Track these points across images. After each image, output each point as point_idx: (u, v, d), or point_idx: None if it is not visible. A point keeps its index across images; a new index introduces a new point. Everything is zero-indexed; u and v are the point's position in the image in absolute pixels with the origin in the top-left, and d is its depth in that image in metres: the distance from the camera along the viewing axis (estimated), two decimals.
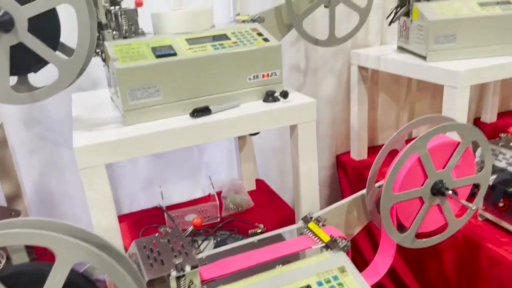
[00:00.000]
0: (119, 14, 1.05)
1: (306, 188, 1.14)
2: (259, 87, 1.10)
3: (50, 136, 1.48)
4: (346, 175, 1.93)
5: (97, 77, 1.44)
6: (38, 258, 1.14)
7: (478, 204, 1.14)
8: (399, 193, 1.04)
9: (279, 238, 1.06)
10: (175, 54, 1.01)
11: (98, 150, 0.89)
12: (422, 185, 1.06)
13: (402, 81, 1.94)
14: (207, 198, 1.60)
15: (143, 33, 1.10)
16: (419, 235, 1.11)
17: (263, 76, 1.10)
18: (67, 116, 1.43)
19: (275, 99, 1.09)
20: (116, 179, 1.60)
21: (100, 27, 1.04)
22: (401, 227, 1.11)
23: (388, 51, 1.66)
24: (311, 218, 1.08)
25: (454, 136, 1.07)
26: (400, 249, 1.09)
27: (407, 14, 1.53)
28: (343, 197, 1.60)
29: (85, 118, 1.08)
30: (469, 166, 1.12)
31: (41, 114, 1.45)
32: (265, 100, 1.10)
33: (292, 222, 1.14)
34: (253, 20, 1.24)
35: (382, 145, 1.08)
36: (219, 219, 1.45)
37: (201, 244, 1.31)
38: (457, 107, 1.31)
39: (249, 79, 1.09)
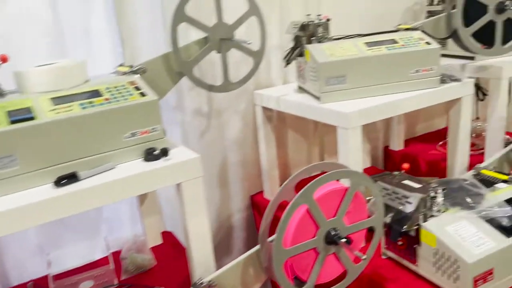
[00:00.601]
0: None
1: (198, 250, 1.07)
2: (138, 144, 1.03)
3: None
4: (261, 216, 1.89)
5: None
6: None
7: (372, 250, 1.12)
8: (290, 247, 1.00)
9: None
10: (32, 118, 0.91)
11: None
12: (314, 236, 1.03)
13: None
14: (106, 260, 1.47)
15: (1, 94, 0.99)
16: (319, 286, 1.07)
17: (142, 133, 1.03)
18: None
19: (156, 157, 1.02)
20: (0, 248, 1.42)
21: None
22: (299, 281, 1.07)
23: (289, 91, 1.66)
24: (201, 284, 1.00)
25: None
26: None
27: (302, 55, 1.54)
28: None
29: None
30: (361, 210, 1.11)
31: None
32: (146, 158, 1.02)
33: None
34: (134, 72, 1.16)
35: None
36: (116, 285, 1.33)
37: None
38: (350, 147, 1.31)
39: (126, 137, 1.01)
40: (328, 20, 1.51)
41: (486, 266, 1.09)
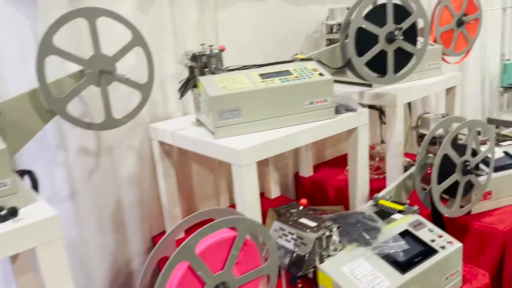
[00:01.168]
0: None
1: None
2: None
3: None
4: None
5: None
6: None
7: None
8: None
9: None
10: None
11: None
12: None
13: None
14: None
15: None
16: None
17: None
18: None
19: (3, 218, 0.85)
20: None
21: None
22: None
23: (187, 123, 1.56)
24: None
25: None
26: None
27: (196, 86, 1.46)
28: None
29: None
30: (253, 258, 1.03)
31: None
32: None
33: None
34: None
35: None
36: None
37: None
38: (245, 185, 1.23)
39: None
40: (221, 50, 1.44)
41: None
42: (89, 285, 1.58)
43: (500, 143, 1.89)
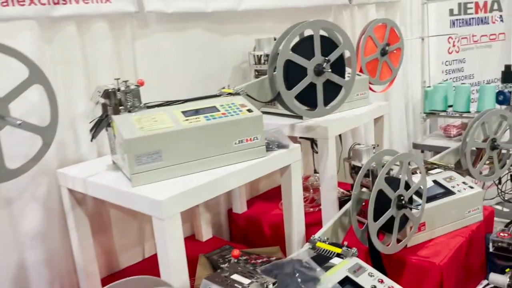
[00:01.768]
0: None
1: None
2: None
3: None
4: None
5: None
6: None
7: None
8: None
9: None
10: None
11: None
12: None
13: None
14: None
15: None
16: None
17: None
18: None
19: None
20: None
21: None
22: None
23: (102, 168, 1.38)
24: None
25: None
26: None
27: (110, 125, 1.29)
28: None
29: None
30: None
31: None
32: None
33: None
34: None
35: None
36: None
37: None
38: (168, 240, 1.08)
39: None
40: (138, 85, 1.29)
41: None
42: None
43: (429, 172, 1.92)
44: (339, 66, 1.63)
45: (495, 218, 2.80)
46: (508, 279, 1.54)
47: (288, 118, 1.83)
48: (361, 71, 2.13)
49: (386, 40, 2.16)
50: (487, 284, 1.68)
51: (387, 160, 1.44)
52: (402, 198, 1.43)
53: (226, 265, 1.17)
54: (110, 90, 1.25)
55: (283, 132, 1.50)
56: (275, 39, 1.71)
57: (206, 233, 1.87)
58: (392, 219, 1.45)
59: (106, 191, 1.22)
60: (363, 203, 1.53)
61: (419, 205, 1.56)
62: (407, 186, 1.49)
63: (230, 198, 2.12)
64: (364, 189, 1.50)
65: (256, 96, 1.58)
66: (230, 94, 1.44)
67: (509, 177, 2.64)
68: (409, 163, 1.58)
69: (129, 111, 1.27)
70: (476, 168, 1.99)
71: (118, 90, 1.26)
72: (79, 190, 1.34)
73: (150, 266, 1.70)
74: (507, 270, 1.61)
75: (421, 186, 1.55)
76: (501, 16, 3.50)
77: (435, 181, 1.79)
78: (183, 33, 1.77)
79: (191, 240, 1.88)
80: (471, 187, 1.78)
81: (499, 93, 2.53)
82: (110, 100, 1.27)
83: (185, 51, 1.78)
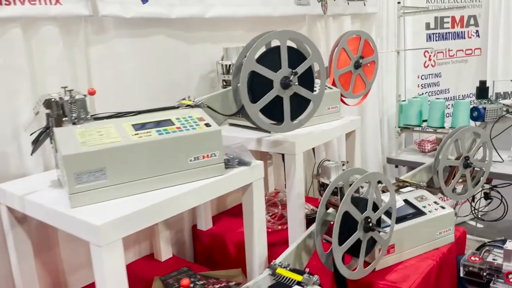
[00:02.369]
0: None
1: None
2: None
3: None
4: None
5: None
6: None
7: None
8: None
9: None
10: None
11: None
12: None
13: None
14: None
15: None
16: None
17: None
18: None
19: None
20: None
21: None
22: None
23: (45, 183, 1.26)
24: None
25: None
26: None
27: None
28: None
29: None
30: None
31: None
32: None
33: None
34: None
35: None
36: None
37: None
38: (107, 271, 0.97)
39: None
40: (85, 95, 1.18)
41: None
42: None
43: (400, 190, 1.85)
44: (307, 79, 1.56)
45: (468, 236, 2.78)
46: None
47: (256, 132, 1.75)
48: (334, 84, 2.07)
49: (360, 52, 2.11)
50: None
51: (357, 178, 1.36)
52: (369, 220, 1.35)
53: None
54: (52, 99, 1.14)
55: (246, 148, 1.41)
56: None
57: (165, 253, 1.76)
58: (359, 242, 1.37)
59: (43, 211, 1.10)
60: (331, 222, 1.45)
61: (388, 226, 1.49)
62: (376, 207, 1.41)
63: (195, 214, 2.02)
64: (330, 210, 1.42)
65: (220, 108, 1.48)
66: (189, 106, 1.34)
67: (482, 195, 2.61)
68: (379, 182, 1.51)
69: (74, 123, 1.16)
70: (449, 186, 1.94)
71: (61, 100, 1.14)
72: (17, 209, 1.21)
73: None
74: None
75: (391, 207, 1.48)
76: (477, 31, 3.51)
77: (406, 201, 1.72)
78: (144, 39, 1.66)
79: (149, 260, 1.76)
80: (443, 207, 1.72)
81: (474, 109, 2.50)
82: (52, 111, 1.15)
83: (146, 59, 1.68)
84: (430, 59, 3.28)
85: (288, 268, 1.24)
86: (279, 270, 1.24)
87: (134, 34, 1.61)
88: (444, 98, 3.41)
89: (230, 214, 2.16)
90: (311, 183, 2.58)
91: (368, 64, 2.16)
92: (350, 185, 1.40)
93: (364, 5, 2.69)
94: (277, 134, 1.69)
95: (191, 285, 1.40)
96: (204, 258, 2.03)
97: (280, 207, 2.08)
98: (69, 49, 1.43)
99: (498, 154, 2.44)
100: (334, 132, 1.90)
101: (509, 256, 1.40)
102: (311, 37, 2.44)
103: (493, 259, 1.44)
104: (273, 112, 1.52)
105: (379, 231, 1.39)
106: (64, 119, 1.15)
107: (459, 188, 2.05)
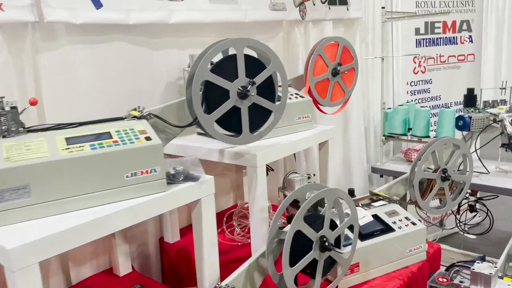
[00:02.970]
0: None
1: None
2: None
3: None
4: None
5: None
6: None
7: None
8: None
9: None
10: None
11: None
12: None
13: None
14: None
15: None
16: None
17: None
18: None
19: None
20: None
21: None
22: None
23: None
24: None
25: None
26: None
27: None
28: None
29: None
30: None
31: None
32: None
33: None
34: None
35: None
36: None
37: None
38: None
39: None
40: (15, 107, 1.12)
41: None
42: None
43: (372, 204, 1.77)
44: (268, 89, 1.49)
45: (455, 250, 2.68)
46: None
47: (218, 143, 1.67)
48: (310, 92, 2.00)
49: (338, 59, 2.03)
50: None
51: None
52: (324, 239, 1.28)
53: None
54: None
55: (198, 162, 1.34)
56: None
57: (124, 267, 1.69)
58: (316, 262, 1.30)
59: None
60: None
61: (350, 244, 1.41)
62: (334, 225, 1.34)
63: (162, 226, 1.95)
64: (287, 228, 1.34)
65: (175, 119, 1.41)
66: (135, 117, 1.28)
67: (467, 207, 2.51)
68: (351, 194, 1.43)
69: (4, 136, 1.10)
70: (426, 200, 1.85)
71: None
72: None
73: None
74: None
75: (353, 225, 1.40)
76: (470, 36, 3.41)
77: (375, 216, 1.64)
78: (102, 46, 1.60)
79: (107, 275, 1.69)
80: (414, 224, 1.64)
81: (459, 118, 2.41)
82: None
83: (105, 66, 1.62)
84: (420, 65, 3.19)
85: None
86: None
87: (89, 41, 1.55)
88: (435, 106, 3.33)
89: None
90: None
91: (346, 72, 2.08)
92: None
93: (347, 10, 2.61)
94: (240, 146, 1.62)
95: None
96: (171, 273, 1.96)
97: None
98: (15, 56, 1.37)
99: (483, 166, 2.35)
100: (304, 143, 1.82)
101: (476, 278, 1.31)
102: (289, 43, 2.37)
103: (460, 281, 1.35)
104: (231, 123, 1.45)
105: (336, 251, 1.31)
106: None
107: (435, 202, 1.97)
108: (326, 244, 1.27)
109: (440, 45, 3.29)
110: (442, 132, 2.46)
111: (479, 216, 2.62)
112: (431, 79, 3.27)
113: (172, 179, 1.22)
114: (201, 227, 1.29)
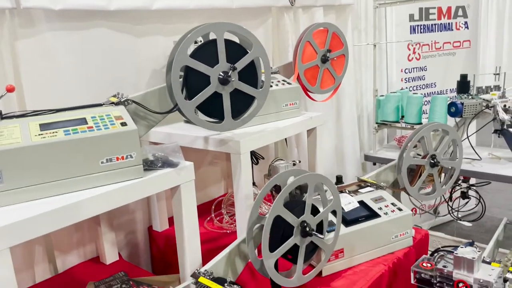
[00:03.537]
0: None
1: None
2: None
3: None
4: None
5: None
6: None
7: None
8: None
9: None
10: None
11: None
12: None
13: None
14: None
15: None
16: None
17: None
18: None
19: None
20: None
21: None
22: None
23: None
24: None
25: None
26: None
27: None
28: None
29: None
30: None
31: None
32: None
33: None
34: None
35: None
36: None
37: None
38: None
39: None
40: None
41: None
42: None
43: (360, 190, 1.76)
44: (251, 75, 1.47)
45: (448, 236, 2.67)
46: None
47: (207, 130, 1.66)
48: (299, 78, 1.97)
49: (327, 46, 2.00)
50: None
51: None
52: (305, 225, 1.27)
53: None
54: None
55: (179, 148, 1.33)
56: (196, 43, 1.54)
57: (110, 256, 1.69)
58: (297, 247, 1.29)
59: None
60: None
61: (333, 230, 1.40)
62: (317, 212, 1.33)
63: (151, 215, 1.95)
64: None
65: (157, 106, 1.40)
66: (112, 103, 1.27)
67: (460, 194, 2.50)
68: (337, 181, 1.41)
69: None
70: (414, 186, 1.84)
71: None
72: None
73: None
74: None
75: (336, 210, 1.39)
76: (466, 22, 3.37)
77: (361, 202, 1.63)
78: (83, 32, 1.58)
79: (94, 263, 1.69)
80: (400, 209, 1.62)
81: (451, 104, 2.38)
82: None
83: (85, 53, 1.60)
84: (414, 52, 3.16)
85: (211, 277, 1.17)
86: (201, 279, 1.16)
87: (70, 27, 1.53)
88: (430, 93, 3.30)
89: None
90: None
91: (335, 58, 2.05)
92: None
93: None
94: (225, 133, 1.61)
95: None
96: (160, 261, 1.96)
97: None
98: None
99: (475, 152, 2.33)
100: (290, 130, 1.81)
101: (459, 263, 1.30)
102: (279, 30, 2.34)
103: (444, 266, 1.34)
104: (214, 110, 1.44)
105: (318, 236, 1.30)
106: None
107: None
108: (307, 229, 1.26)
109: (435, 31, 3.25)
110: (434, 118, 2.43)
111: (475, 204, 2.61)
112: (426, 66, 3.24)
113: (150, 165, 1.21)
114: (181, 213, 1.29)
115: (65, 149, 1.06)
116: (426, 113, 2.66)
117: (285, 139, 2.40)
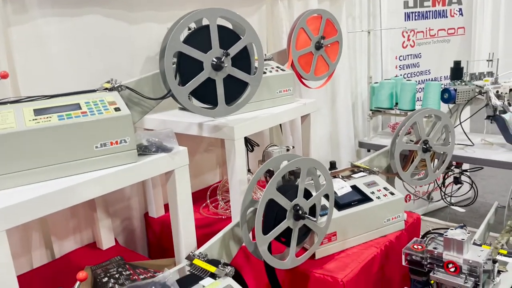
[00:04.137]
0: None
1: None
2: None
3: None
4: None
5: None
6: None
7: None
8: None
9: None
10: None
11: None
12: None
13: None
14: None
15: None
16: None
17: None
18: None
19: None
20: None
21: None
22: None
23: None
24: None
25: None
26: None
27: None
28: None
29: None
30: None
31: None
32: None
33: None
34: None
35: None
36: None
37: None
38: None
39: None
40: None
41: None
42: None
43: (353, 175, 1.78)
44: (244, 61, 1.48)
45: (441, 221, 2.70)
46: None
47: (201, 117, 1.67)
48: (293, 65, 1.98)
49: (321, 32, 2.01)
50: None
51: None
52: (298, 208, 1.29)
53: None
54: None
55: (173, 134, 1.34)
56: (189, 29, 1.55)
57: (107, 241, 1.71)
58: (290, 230, 1.31)
59: None
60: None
61: (325, 214, 1.43)
62: (310, 195, 1.35)
63: (147, 201, 1.97)
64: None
65: (151, 92, 1.41)
66: (106, 89, 1.27)
67: (453, 179, 2.53)
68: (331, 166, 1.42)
69: None
70: (407, 171, 1.86)
71: None
72: None
73: (40, 277, 1.54)
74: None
75: (328, 194, 1.41)
76: (460, 9, 3.37)
77: (354, 187, 1.65)
78: (77, 19, 1.58)
79: (91, 249, 1.72)
80: (392, 193, 1.65)
81: (444, 90, 2.39)
82: None
83: (79, 40, 1.60)
84: (408, 39, 3.16)
85: (205, 259, 1.19)
86: (196, 261, 1.18)
87: (63, 14, 1.53)
88: (424, 80, 3.31)
89: None
90: None
91: (329, 45, 2.06)
92: None
93: None
94: (219, 119, 1.62)
95: (117, 275, 1.35)
96: (156, 246, 1.98)
97: None
98: None
99: (468, 138, 2.35)
100: (283, 116, 1.82)
101: (449, 244, 1.33)
102: (273, 17, 2.34)
103: (434, 248, 1.37)
104: (207, 96, 1.45)
105: (311, 219, 1.32)
106: None
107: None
108: (300, 212, 1.29)
109: (430, 18, 3.25)
110: (428, 104, 2.45)
111: (468, 190, 2.64)
112: (420, 53, 3.24)
113: (144, 150, 1.22)
114: (176, 198, 1.31)
115: (59, 134, 1.07)
116: (420, 100, 2.68)
117: (280, 126, 2.42)
